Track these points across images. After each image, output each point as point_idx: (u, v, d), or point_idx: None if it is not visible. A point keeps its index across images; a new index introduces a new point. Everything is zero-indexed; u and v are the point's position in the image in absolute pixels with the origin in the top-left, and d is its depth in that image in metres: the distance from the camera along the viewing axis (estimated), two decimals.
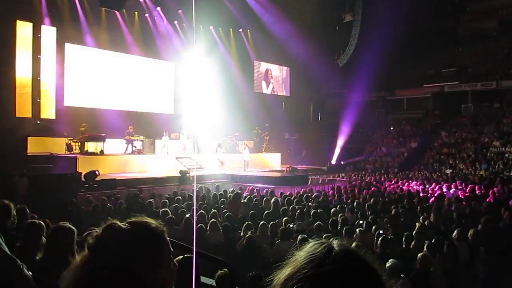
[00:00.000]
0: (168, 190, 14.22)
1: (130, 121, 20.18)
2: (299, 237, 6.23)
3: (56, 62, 19.49)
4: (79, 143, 17.83)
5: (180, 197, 11.38)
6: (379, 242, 6.05)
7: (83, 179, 14.04)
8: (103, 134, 18.45)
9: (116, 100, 21.87)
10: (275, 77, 29.71)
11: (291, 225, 7.97)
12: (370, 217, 8.50)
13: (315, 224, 7.46)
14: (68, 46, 20.11)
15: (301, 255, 0.90)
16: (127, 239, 1.16)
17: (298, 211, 9.15)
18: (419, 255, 5.15)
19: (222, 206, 10.69)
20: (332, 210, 9.49)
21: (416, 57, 30.37)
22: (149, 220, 1.25)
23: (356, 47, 30.36)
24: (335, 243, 0.90)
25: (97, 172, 14.54)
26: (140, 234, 1.19)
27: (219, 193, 12.85)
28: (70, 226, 3.15)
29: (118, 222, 1.20)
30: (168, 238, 1.25)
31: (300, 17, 24.95)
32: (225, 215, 8.71)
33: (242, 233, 7.33)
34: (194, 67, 22.68)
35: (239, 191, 12.91)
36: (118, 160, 18.21)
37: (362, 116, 28.70)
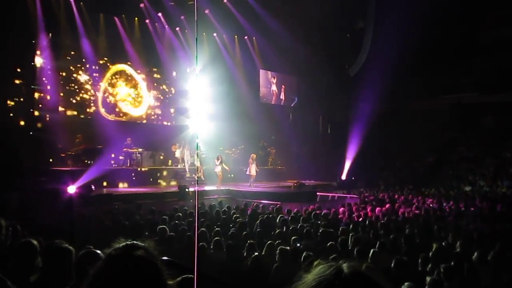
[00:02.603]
0: (169, 206, 14.26)
1: (129, 132, 20.35)
2: (307, 258, 6.22)
3: (51, 69, 19.66)
4: (74, 155, 17.91)
5: (180, 214, 11.42)
6: (393, 264, 6.03)
7: (78, 193, 14.06)
8: (99, 146, 18.53)
9: (114, 109, 22.06)
10: (282, 87, 29.83)
11: (298, 244, 7.96)
12: (383, 237, 8.46)
13: (324, 243, 7.43)
14: (64, 53, 20.33)
15: (309, 277, 0.91)
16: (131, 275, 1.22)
17: (306, 229, 9.14)
18: (429, 279, 5.10)
19: (230, 225, 10.72)
20: (343, 229, 9.48)
21: (432, 66, 30.31)
22: (148, 248, 1.33)
23: (368, 56, 30.39)
24: (344, 265, 0.92)
25: (92, 187, 14.59)
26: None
27: (222, 209, 12.88)
28: (67, 246, 3.16)
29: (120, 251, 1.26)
30: (167, 258, 1.32)
31: (309, 25, 25.07)
32: (230, 233, 8.71)
33: (247, 253, 7.34)
34: (196, 75, 22.83)
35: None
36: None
37: (374, 129, 28.60)
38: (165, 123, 24.20)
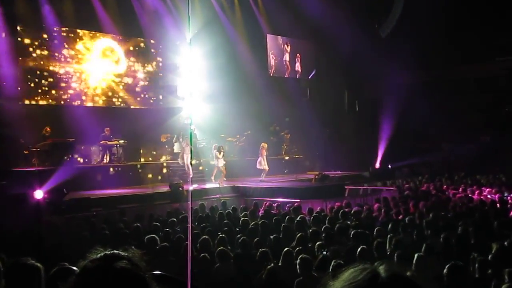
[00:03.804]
0: (160, 210, 14.40)
1: (107, 120, 20.38)
2: (336, 268, 6.23)
3: (5, 48, 19.59)
4: (41, 152, 17.97)
5: (175, 219, 11.52)
6: (445, 270, 6.05)
7: (47, 199, 14.12)
8: (71, 140, 18.63)
9: (89, 93, 22.11)
10: (297, 55, 29.68)
11: (324, 252, 8.02)
12: (430, 238, 8.46)
13: (357, 249, 7.49)
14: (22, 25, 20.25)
15: (337, 285, 0.90)
16: None
17: (333, 232, 9.22)
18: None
19: (236, 229, 10.80)
20: (379, 230, 9.53)
21: (486, 21, 29.93)
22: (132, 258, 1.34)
23: (403, 11, 30.02)
24: (381, 268, 0.90)
25: (64, 190, 14.69)
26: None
27: (227, 211, 12.96)
28: (35, 263, 3.17)
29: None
30: (159, 273, 1.33)
31: None
32: (237, 240, 8.80)
33: (260, 265, 7.38)
34: (188, 45, 22.70)
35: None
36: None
37: (413, 103, 28.37)
38: (151, 103, 24.25)
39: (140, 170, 20.70)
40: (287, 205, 14.36)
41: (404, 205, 13.60)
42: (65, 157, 18.34)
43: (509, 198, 14.98)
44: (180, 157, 20.28)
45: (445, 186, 18.92)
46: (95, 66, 22.29)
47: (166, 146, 22.76)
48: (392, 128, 28.18)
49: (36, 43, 20.70)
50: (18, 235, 10.45)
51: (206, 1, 24.66)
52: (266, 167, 20.54)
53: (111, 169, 19.56)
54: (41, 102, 20.68)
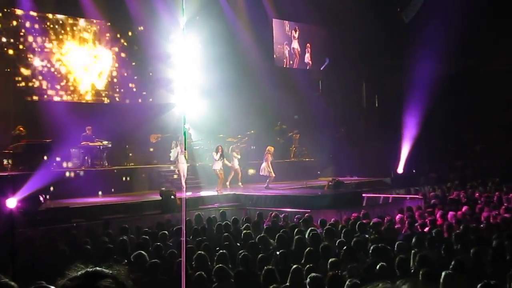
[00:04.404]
0: (149, 221, 14.43)
1: (89, 118, 20.37)
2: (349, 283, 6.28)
3: None
4: (14, 154, 18.02)
5: (166, 232, 11.57)
6: None
7: (21, 208, 14.10)
8: (47, 140, 18.72)
9: (68, 88, 22.10)
10: (307, 44, 29.65)
11: (339, 270, 8.01)
12: (460, 253, 8.46)
13: (376, 265, 7.51)
14: None
15: None
16: None
17: (349, 247, 9.19)
18: None
19: (237, 244, 10.84)
20: (401, 244, 9.49)
21: None
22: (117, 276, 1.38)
23: None
24: (404, 287, 0.90)
25: (41, 198, 14.72)
26: None
27: (224, 223, 12.91)
28: (8, 281, 3.19)
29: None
30: None
31: None
32: (239, 256, 8.78)
33: (265, 284, 7.41)
34: (182, 32, 22.65)
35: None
36: None
37: (442, 99, 28.25)
38: (139, 98, 24.26)
39: (126, 176, 20.72)
40: (296, 216, 14.37)
41: (431, 216, 13.61)
42: (42, 161, 18.18)
43: None
44: (176, 166, 20.30)
45: (477, 194, 18.86)
46: (75, 56, 22.24)
47: (151, 149, 22.82)
48: (418, 127, 28.06)
49: (7, 29, 20.60)
50: None
51: None
52: (272, 173, 20.50)
53: (94, 174, 19.51)
54: (13, 98, 20.56)
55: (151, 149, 22.86)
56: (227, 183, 20.49)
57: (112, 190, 19.54)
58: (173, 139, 21.02)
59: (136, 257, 8.60)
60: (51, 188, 16.82)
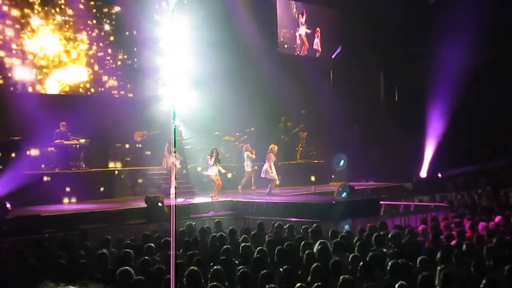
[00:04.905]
0: (133, 232, 14.63)
1: (63, 112, 20.32)
2: None
3: None
4: None
5: (153, 245, 11.53)
6: None
7: None
8: (15, 138, 18.75)
9: (40, 77, 21.92)
10: (317, 29, 29.60)
11: None
12: (492, 270, 8.56)
13: (395, 284, 7.51)
14: None
15: None
16: None
17: (365, 262, 9.12)
18: None
19: (236, 260, 10.74)
20: (424, 260, 9.46)
21: None
22: None
23: None
24: None
25: (8, 205, 14.67)
26: None
27: (219, 234, 12.91)
28: None
29: None
30: None
31: None
32: (237, 273, 8.71)
33: None
34: (171, 13, 22.57)
35: None
36: None
37: (473, 92, 28.31)
38: (122, 90, 24.21)
39: (107, 179, 20.76)
40: (303, 227, 14.26)
41: (458, 227, 13.75)
42: (9, 161, 18.22)
43: None
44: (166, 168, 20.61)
45: None
46: (47, 40, 22.12)
47: (137, 147, 22.74)
48: (444, 125, 28.19)
49: None
50: None
51: None
52: (275, 177, 20.49)
53: (69, 178, 19.54)
54: None
55: (137, 147, 22.89)
56: (239, 188, 20.99)
57: (90, 196, 19.58)
58: (160, 136, 21.12)
59: (118, 273, 8.43)
60: (20, 193, 16.72)
